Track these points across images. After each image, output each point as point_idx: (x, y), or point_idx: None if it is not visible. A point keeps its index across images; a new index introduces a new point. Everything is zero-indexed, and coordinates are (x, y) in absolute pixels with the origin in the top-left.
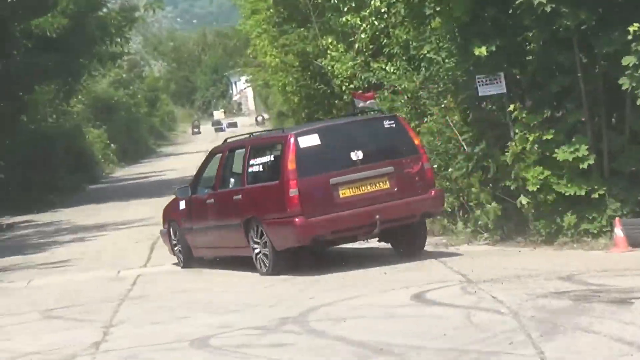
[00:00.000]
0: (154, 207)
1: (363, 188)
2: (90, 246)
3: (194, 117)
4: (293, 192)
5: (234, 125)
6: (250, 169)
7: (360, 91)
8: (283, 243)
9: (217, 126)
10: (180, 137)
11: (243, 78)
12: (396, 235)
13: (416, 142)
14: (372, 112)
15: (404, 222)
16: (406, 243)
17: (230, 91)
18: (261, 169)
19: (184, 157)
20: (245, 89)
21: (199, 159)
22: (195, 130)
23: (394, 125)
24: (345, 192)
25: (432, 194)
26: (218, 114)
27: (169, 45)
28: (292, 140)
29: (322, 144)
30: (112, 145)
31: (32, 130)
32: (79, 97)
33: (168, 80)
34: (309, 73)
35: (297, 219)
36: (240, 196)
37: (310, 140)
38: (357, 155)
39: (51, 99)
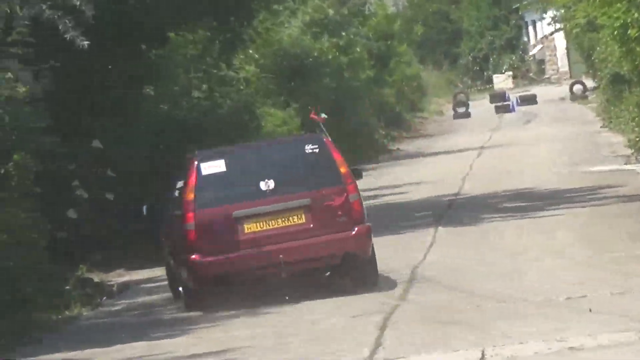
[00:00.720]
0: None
1: (272, 223)
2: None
3: (458, 87)
4: (189, 226)
5: (531, 100)
6: (176, 194)
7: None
8: (189, 280)
9: (500, 103)
10: (433, 121)
11: (547, 16)
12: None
13: (342, 170)
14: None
15: (320, 264)
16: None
17: (525, 39)
18: (178, 195)
19: (442, 158)
20: (551, 34)
21: (465, 162)
22: (460, 109)
23: (317, 150)
24: (250, 227)
25: (356, 231)
26: (502, 81)
27: None
28: (194, 165)
29: (228, 170)
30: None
31: (165, 114)
32: (250, 52)
33: (410, 21)
34: None
35: (192, 257)
36: (165, 225)
37: (215, 167)
38: (267, 184)
39: (200, 55)
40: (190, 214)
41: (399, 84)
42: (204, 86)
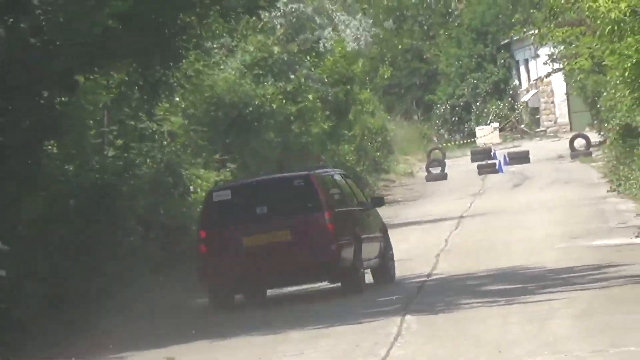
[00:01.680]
0: None
1: (264, 239)
2: None
3: (432, 142)
4: (201, 241)
5: (523, 158)
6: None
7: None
8: (204, 285)
9: (484, 161)
10: (401, 185)
11: (542, 53)
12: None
13: (321, 198)
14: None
15: (301, 272)
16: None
17: (515, 82)
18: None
19: (411, 231)
20: (547, 76)
21: (440, 235)
22: (435, 170)
23: (302, 184)
24: (248, 243)
25: (329, 247)
26: (486, 134)
27: None
28: (208, 194)
29: (233, 198)
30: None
31: (72, 177)
32: (177, 99)
33: (375, 61)
34: None
35: (203, 265)
36: None
37: (223, 195)
38: (261, 209)
39: (115, 103)
40: (202, 232)
41: (360, 138)
42: (119, 141)
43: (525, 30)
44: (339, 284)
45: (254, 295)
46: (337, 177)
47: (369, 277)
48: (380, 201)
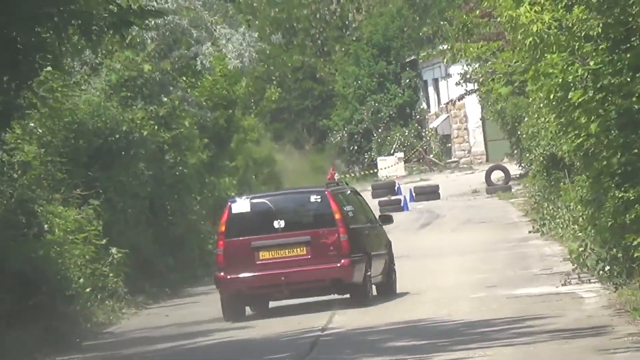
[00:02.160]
0: None
1: (281, 252)
2: None
3: (328, 175)
4: (219, 251)
5: (432, 193)
6: None
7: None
8: (220, 292)
9: (387, 197)
10: None
11: (454, 71)
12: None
13: (337, 216)
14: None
15: (313, 285)
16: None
17: (423, 106)
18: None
19: None
20: (460, 99)
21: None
22: None
23: (319, 200)
24: (264, 255)
25: (342, 263)
26: (390, 166)
27: None
28: (228, 205)
29: (251, 211)
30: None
31: None
32: (31, 125)
33: (261, 81)
34: None
35: (220, 274)
36: None
37: (242, 207)
38: (279, 223)
39: None
40: (221, 242)
41: (244, 170)
42: None
43: (433, 50)
44: (348, 295)
45: (260, 306)
46: (350, 194)
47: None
48: (388, 219)
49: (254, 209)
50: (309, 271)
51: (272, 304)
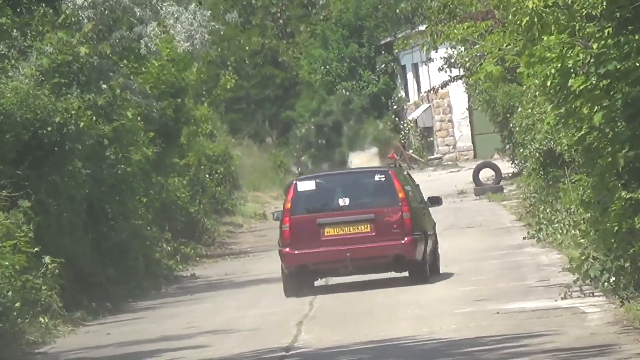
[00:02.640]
0: None
1: (346, 229)
2: None
3: (296, 168)
4: (285, 227)
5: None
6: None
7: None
8: (283, 268)
9: None
10: (251, 231)
11: (437, 55)
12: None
13: (400, 195)
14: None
15: (377, 262)
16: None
17: (401, 94)
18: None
19: (264, 290)
20: (444, 86)
21: (298, 301)
22: None
23: (383, 179)
24: (329, 231)
25: (405, 240)
26: (362, 161)
27: None
28: (293, 183)
29: (316, 189)
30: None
31: None
32: None
33: (216, 67)
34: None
35: (286, 249)
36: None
37: (308, 186)
38: (344, 201)
39: None
40: (287, 219)
41: (196, 169)
42: None
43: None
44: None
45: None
46: (407, 175)
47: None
48: (437, 200)
49: (319, 187)
50: (372, 248)
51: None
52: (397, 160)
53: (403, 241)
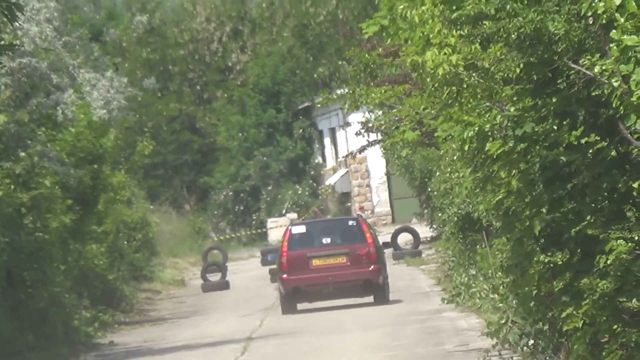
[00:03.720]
0: None
1: (328, 260)
2: None
3: (210, 239)
4: (284, 259)
5: None
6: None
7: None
8: (281, 289)
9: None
10: (169, 297)
11: (354, 119)
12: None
13: (367, 235)
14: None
15: (351, 284)
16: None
17: (318, 160)
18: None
19: (182, 358)
20: (361, 151)
21: None
22: (212, 275)
23: (355, 224)
24: (316, 262)
25: (372, 268)
26: (280, 226)
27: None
28: (289, 228)
29: (306, 231)
30: None
31: None
32: None
33: (131, 133)
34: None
35: (284, 276)
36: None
37: (299, 229)
38: (326, 240)
39: None
40: (285, 253)
41: (114, 236)
42: None
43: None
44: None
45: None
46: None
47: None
48: (388, 245)
49: (308, 230)
50: (348, 273)
51: None
52: (362, 212)
53: (370, 269)
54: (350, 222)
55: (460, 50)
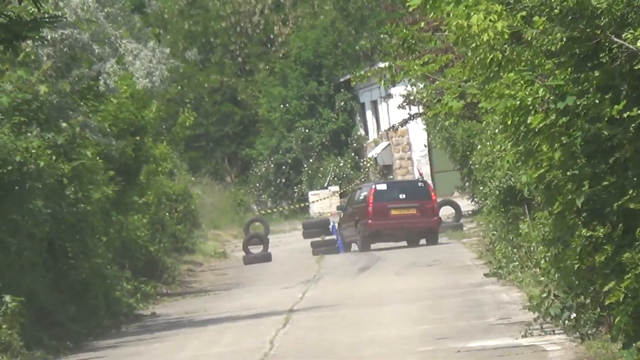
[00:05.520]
0: None
1: (403, 211)
2: None
3: (252, 209)
4: (370, 209)
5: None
6: (360, 197)
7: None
8: (364, 232)
9: (320, 237)
10: (211, 269)
11: (396, 92)
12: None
13: (432, 194)
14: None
15: (419, 230)
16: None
17: (360, 132)
18: (362, 198)
19: (224, 329)
20: (403, 124)
21: (262, 336)
22: (254, 247)
23: (422, 185)
24: (394, 212)
25: (435, 219)
26: (322, 200)
27: None
28: (372, 186)
29: (387, 189)
30: None
31: None
32: None
33: (175, 104)
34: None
35: (369, 221)
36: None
37: (382, 187)
38: (402, 195)
39: None
40: (371, 205)
41: (156, 207)
42: None
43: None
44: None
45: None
46: None
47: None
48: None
49: (389, 188)
50: (418, 222)
51: None
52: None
53: (434, 219)
54: (420, 184)
55: (505, 18)
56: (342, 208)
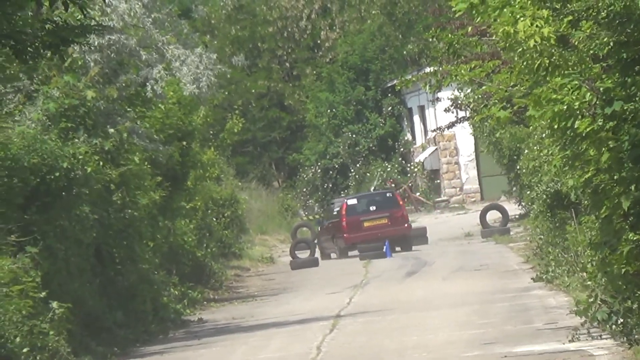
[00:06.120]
0: None
1: (375, 222)
2: None
3: (299, 214)
4: (344, 223)
5: (418, 237)
6: (334, 212)
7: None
8: (341, 245)
9: (367, 242)
10: (258, 274)
11: (443, 96)
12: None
13: (400, 202)
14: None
15: (392, 238)
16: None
17: (408, 137)
18: (335, 213)
19: (271, 335)
20: (450, 127)
21: (309, 341)
22: (302, 253)
23: (391, 195)
24: (367, 224)
25: (405, 226)
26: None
27: None
28: (344, 202)
29: (357, 202)
30: None
31: None
32: None
33: (222, 109)
34: None
35: (345, 235)
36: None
37: (353, 201)
38: (372, 207)
39: None
40: (344, 218)
41: (203, 213)
42: None
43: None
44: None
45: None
46: None
47: None
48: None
49: (359, 201)
50: (390, 230)
51: None
52: (393, 186)
53: (405, 226)
54: (388, 194)
55: (552, 23)
56: (320, 222)
